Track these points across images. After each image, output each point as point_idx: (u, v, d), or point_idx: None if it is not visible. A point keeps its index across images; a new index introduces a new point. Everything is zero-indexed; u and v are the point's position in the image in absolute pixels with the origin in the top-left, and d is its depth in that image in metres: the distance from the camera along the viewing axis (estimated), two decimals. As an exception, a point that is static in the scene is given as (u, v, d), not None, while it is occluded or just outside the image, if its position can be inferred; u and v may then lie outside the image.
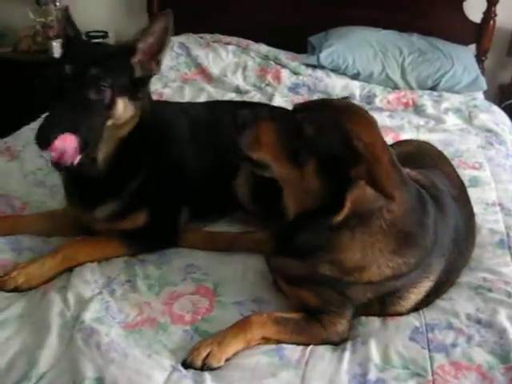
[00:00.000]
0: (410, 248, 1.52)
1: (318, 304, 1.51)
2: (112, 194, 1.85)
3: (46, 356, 1.38)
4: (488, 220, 2.08)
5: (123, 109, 1.70)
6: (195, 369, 1.37)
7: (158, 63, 1.80)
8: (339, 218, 1.43)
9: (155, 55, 1.78)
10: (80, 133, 1.56)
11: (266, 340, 1.47)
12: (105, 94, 1.64)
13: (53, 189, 2.22)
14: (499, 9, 3.69)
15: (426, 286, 1.58)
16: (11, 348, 1.41)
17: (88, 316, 1.50)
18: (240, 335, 1.43)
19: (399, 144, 2.17)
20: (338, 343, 1.50)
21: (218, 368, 1.38)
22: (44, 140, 1.53)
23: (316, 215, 1.47)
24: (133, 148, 1.81)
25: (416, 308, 1.59)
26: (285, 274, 1.59)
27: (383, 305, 1.56)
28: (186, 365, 1.38)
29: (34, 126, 2.79)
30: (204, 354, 1.38)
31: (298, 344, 1.47)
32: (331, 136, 1.40)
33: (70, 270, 1.74)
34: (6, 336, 1.45)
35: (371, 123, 1.46)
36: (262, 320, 1.47)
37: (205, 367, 1.37)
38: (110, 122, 1.68)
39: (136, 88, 1.76)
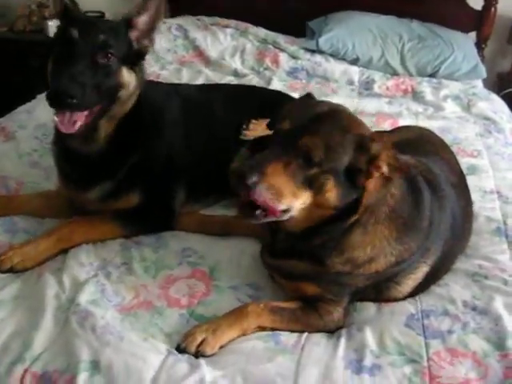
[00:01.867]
0: (410, 232, 1.52)
1: (316, 294, 1.50)
2: (107, 174, 1.84)
3: (41, 338, 1.38)
4: (485, 208, 2.08)
5: (128, 78, 1.73)
6: (189, 354, 1.37)
7: (151, 40, 1.84)
8: (354, 218, 1.43)
9: (149, 32, 1.82)
10: (93, 93, 1.61)
11: (262, 328, 1.46)
12: (112, 60, 1.67)
13: (48, 170, 2.21)
14: (500, -4, 3.67)
15: (423, 271, 1.58)
16: (6, 329, 1.40)
17: (83, 298, 1.49)
18: (236, 324, 1.43)
19: (400, 130, 2.16)
20: (333, 331, 1.49)
21: (212, 355, 1.38)
22: (62, 98, 1.55)
23: (329, 222, 1.44)
24: (130, 127, 1.82)
25: (412, 294, 1.59)
26: (285, 272, 1.57)
27: (379, 290, 1.56)
28: (180, 350, 1.38)
29: (29, 107, 2.78)
30: (199, 341, 1.38)
31: (294, 332, 1.47)
32: (341, 150, 1.35)
33: (65, 251, 1.73)
34: (1, 317, 1.44)
35: (361, 121, 1.49)
36: (258, 310, 1.46)
37: (198, 354, 1.37)
38: (122, 93, 1.72)
39: (135, 61, 1.79)
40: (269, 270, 1.64)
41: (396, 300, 1.57)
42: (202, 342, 1.37)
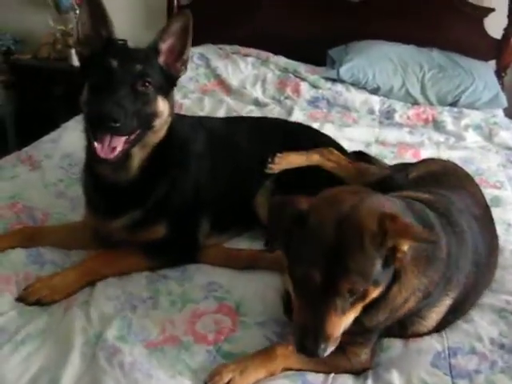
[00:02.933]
0: (431, 263, 1.49)
1: (345, 337, 1.47)
2: (137, 203, 1.86)
3: (69, 374, 1.38)
4: (510, 241, 2.06)
5: (162, 106, 1.77)
6: None
7: (184, 63, 1.86)
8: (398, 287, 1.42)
9: (179, 56, 1.84)
10: (133, 119, 1.65)
11: (288, 369, 1.45)
12: (149, 89, 1.71)
13: (74, 201, 2.23)
14: (520, 25, 3.67)
15: (446, 304, 1.56)
16: (34, 364, 1.41)
17: (111, 334, 1.50)
18: (263, 366, 1.42)
19: (424, 162, 2.16)
20: (360, 373, 1.48)
21: None
22: (106, 121, 1.58)
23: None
24: (161, 156, 1.85)
25: (437, 328, 1.58)
26: None
27: (403, 326, 1.55)
28: None
29: (55, 136, 2.82)
30: (225, 380, 1.37)
31: (320, 372, 1.46)
32: (372, 266, 1.29)
33: (92, 284, 1.74)
34: (28, 351, 1.45)
35: (373, 198, 1.40)
36: (286, 352, 1.44)
37: None
38: (157, 121, 1.75)
39: (167, 89, 1.82)
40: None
41: (420, 335, 1.56)
42: (228, 382, 1.37)
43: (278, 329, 1.60)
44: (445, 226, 1.58)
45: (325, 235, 1.29)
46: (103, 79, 1.66)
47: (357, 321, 1.41)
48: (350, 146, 2.61)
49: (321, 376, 1.44)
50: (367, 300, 1.34)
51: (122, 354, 1.42)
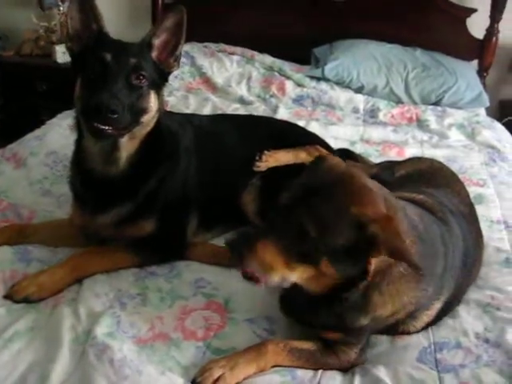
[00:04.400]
0: (426, 280, 1.50)
1: (337, 338, 1.49)
2: (126, 197, 1.86)
3: (58, 371, 1.37)
4: (493, 238, 2.09)
5: (154, 101, 1.77)
6: None
7: (177, 59, 1.87)
8: (365, 283, 1.39)
9: (172, 51, 1.84)
10: (128, 113, 1.65)
11: (278, 365, 1.46)
12: (143, 83, 1.72)
13: (59, 198, 2.23)
14: (502, 26, 3.72)
15: (437, 307, 1.58)
16: (23, 362, 1.40)
17: (100, 331, 1.49)
18: (254, 362, 1.42)
19: (411, 161, 2.18)
20: (348, 369, 1.49)
21: None
22: (104, 113, 1.58)
23: (342, 289, 1.40)
24: (150, 151, 1.85)
25: (425, 327, 1.60)
26: (307, 322, 1.55)
27: (394, 327, 1.56)
28: (196, 383, 1.37)
29: (40, 133, 2.80)
30: (215, 377, 1.37)
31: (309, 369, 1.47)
32: (337, 228, 1.28)
33: (79, 281, 1.74)
34: (17, 349, 1.44)
35: (372, 190, 1.35)
36: (277, 349, 1.45)
37: None
38: (145, 117, 1.75)
39: (160, 84, 1.83)
40: (288, 318, 1.60)
41: (410, 334, 1.58)
42: (218, 378, 1.37)
43: (267, 325, 1.60)
44: (444, 235, 1.60)
45: (321, 181, 1.34)
46: (97, 73, 1.66)
47: (339, 317, 1.44)
48: (335, 144, 2.62)
49: (310, 371, 1.45)
50: (315, 269, 1.33)
51: (111, 351, 1.42)
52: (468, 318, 1.64)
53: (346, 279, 1.37)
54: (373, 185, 1.39)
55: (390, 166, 2.13)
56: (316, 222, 1.28)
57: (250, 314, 1.64)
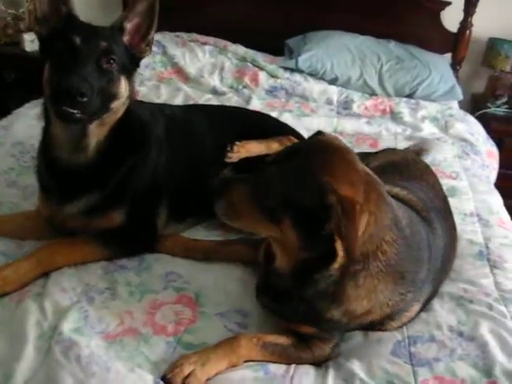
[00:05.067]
0: (407, 285, 1.50)
1: (311, 332, 1.48)
2: (94, 186, 1.80)
3: (23, 368, 1.33)
4: (466, 231, 2.09)
5: (124, 87, 1.72)
6: None
7: (149, 44, 1.82)
8: (336, 266, 1.37)
9: (144, 36, 1.80)
10: (97, 98, 1.60)
11: (251, 360, 1.43)
12: (114, 67, 1.67)
13: (26, 190, 2.16)
14: (475, 19, 3.74)
15: (416, 309, 1.58)
16: (-15, 359, 1.35)
17: (66, 326, 1.44)
18: (226, 357, 1.39)
19: (385, 152, 2.17)
20: (321, 363, 1.48)
21: None
22: (73, 96, 1.53)
23: (313, 268, 1.40)
24: (119, 139, 1.80)
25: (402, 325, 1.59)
26: (282, 314, 1.54)
27: (371, 327, 1.55)
28: (166, 380, 1.34)
29: (6, 123, 2.73)
30: (186, 373, 1.33)
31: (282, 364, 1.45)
32: (302, 190, 1.30)
33: (45, 275, 1.68)
34: (-21, 346, 1.39)
35: (356, 173, 1.36)
36: (250, 344, 1.43)
37: None
38: (115, 102, 1.70)
39: (131, 70, 1.78)
40: (264, 309, 1.59)
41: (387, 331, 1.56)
42: (189, 375, 1.33)
43: (239, 319, 1.57)
44: (429, 238, 1.60)
45: (303, 147, 1.46)
46: (66, 56, 1.61)
47: (314, 309, 1.43)
48: (308, 136, 2.59)
49: (283, 366, 1.43)
50: (279, 230, 1.35)
51: (78, 347, 1.37)
52: (442, 312, 1.63)
53: (313, 255, 1.37)
54: (363, 171, 1.40)
55: (364, 157, 2.11)
56: (285, 177, 1.32)
57: (221, 307, 1.61)
